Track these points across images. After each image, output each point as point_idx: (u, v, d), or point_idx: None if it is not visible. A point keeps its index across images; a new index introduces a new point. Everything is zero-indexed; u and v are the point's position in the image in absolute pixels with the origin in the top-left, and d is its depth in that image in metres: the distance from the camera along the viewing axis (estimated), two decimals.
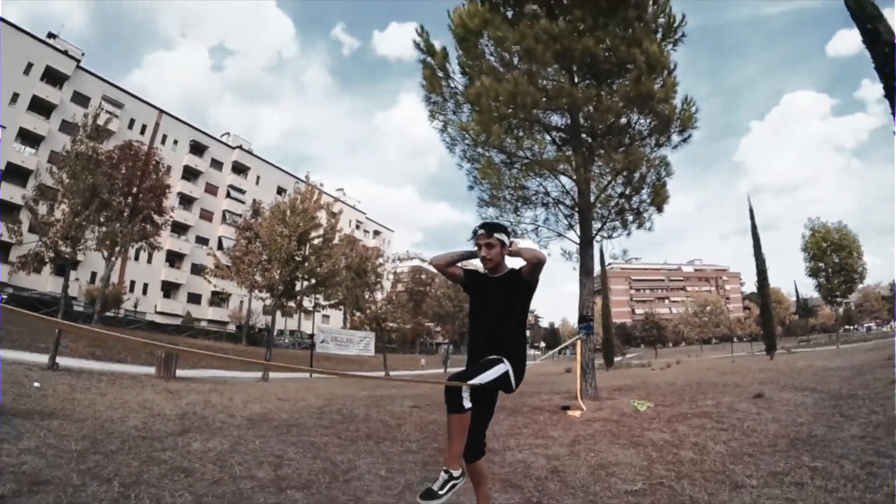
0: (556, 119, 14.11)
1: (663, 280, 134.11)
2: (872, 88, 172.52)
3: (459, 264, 3.62)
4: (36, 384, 9.70)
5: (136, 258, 49.69)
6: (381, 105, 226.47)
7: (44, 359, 13.56)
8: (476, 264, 3.61)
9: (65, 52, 46.22)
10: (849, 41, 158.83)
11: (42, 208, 15.60)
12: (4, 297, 30.33)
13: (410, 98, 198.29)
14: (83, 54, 48.59)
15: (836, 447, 5.48)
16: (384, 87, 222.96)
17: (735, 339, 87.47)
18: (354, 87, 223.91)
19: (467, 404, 2.93)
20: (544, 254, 3.33)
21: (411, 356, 54.87)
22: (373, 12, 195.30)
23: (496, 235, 3.33)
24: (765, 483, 4.51)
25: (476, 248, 3.42)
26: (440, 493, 2.91)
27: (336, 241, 25.16)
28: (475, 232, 3.40)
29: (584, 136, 13.37)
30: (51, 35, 46.89)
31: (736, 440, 6.35)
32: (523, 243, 3.23)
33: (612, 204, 14.17)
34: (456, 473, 2.96)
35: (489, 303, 3.33)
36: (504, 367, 3.13)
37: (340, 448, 6.59)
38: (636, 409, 9.66)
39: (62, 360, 13.89)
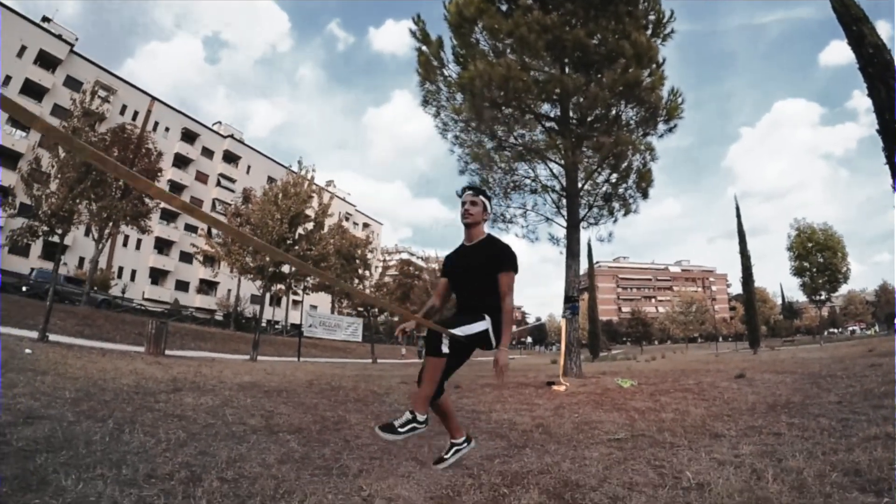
0: (546, 108, 14.28)
1: (650, 279, 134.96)
2: (863, 99, 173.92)
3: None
4: (27, 350, 9.71)
5: (125, 244, 49.28)
6: (373, 101, 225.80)
7: (33, 334, 13.51)
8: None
9: (59, 37, 45.62)
10: (841, 51, 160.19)
11: (36, 182, 15.46)
12: None
13: (403, 95, 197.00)
14: (77, 39, 48.00)
15: (814, 409, 5.65)
16: (377, 84, 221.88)
17: (720, 338, 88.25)
18: (347, 82, 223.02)
19: (445, 350, 3.03)
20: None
21: (398, 346, 55.00)
22: (369, 8, 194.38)
23: (481, 197, 3.54)
24: (743, 434, 4.68)
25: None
26: (400, 430, 2.99)
27: (326, 227, 25.18)
28: (463, 191, 3.60)
29: (573, 124, 13.52)
30: (45, 19, 46.25)
31: (716, 406, 6.52)
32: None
33: (599, 190, 14.38)
34: (420, 417, 3.03)
35: (468, 265, 3.46)
36: (485, 324, 3.24)
37: (330, 407, 6.69)
38: (620, 386, 9.80)
39: (53, 337, 13.84)
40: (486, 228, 3.59)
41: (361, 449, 4.38)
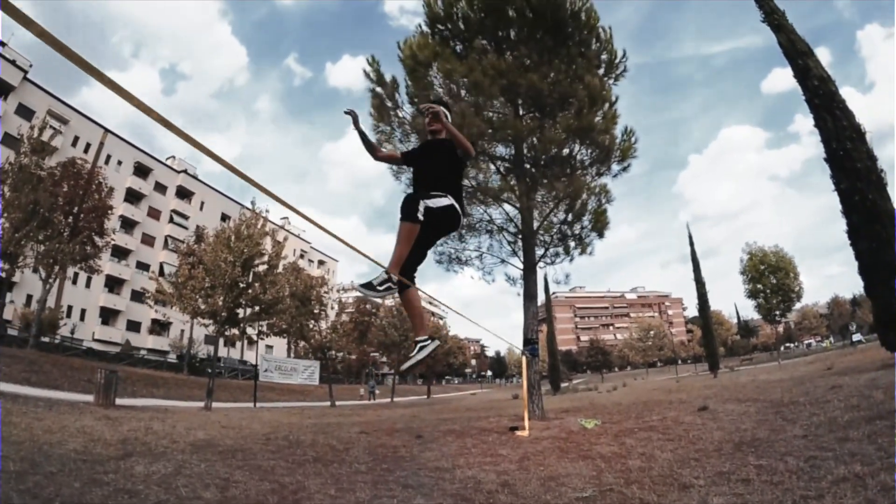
0: (500, 150, 14.36)
1: (607, 307, 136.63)
2: (804, 122, 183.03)
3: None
4: None
5: (74, 282, 47.43)
6: (329, 136, 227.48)
7: None
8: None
9: (13, 62, 44.01)
10: (782, 79, 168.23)
11: None
12: None
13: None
14: (31, 66, 46.53)
15: (780, 447, 5.62)
16: (333, 118, 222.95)
17: (679, 361, 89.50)
18: (304, 117, 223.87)
19: (420, 216, 3.36)
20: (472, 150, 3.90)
21: (357, 386, 54.10)
22: (326, 43, 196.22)
23: (441, 108, 4.00)
24: (712, 482, 4.59)
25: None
26: (378, 287, 3.36)
27: (280, 268, 24.71)
28: (421, 109, 4.31)
29: (527, 165, 13.60)
30: (0, 43, 44.86)
31: (682, 448, 6.44)
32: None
33: (555, 231, 14.46)
34: (394, 279, 3.36)
35: (432, 152, 3.97)
36: (449, 200, 3.64)
37: (288, 471, 6.36)
38: (584, 427, 9.69)
39: None
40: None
41: None
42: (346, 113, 4.02)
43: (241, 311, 21.70)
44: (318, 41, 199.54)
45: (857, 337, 45.75)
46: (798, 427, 6.56)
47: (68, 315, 46.71)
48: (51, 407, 11.72)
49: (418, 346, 3.70)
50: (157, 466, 6.04)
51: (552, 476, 5.60)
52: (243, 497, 4.93)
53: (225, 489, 5.19)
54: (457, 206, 3.69)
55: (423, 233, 3.47)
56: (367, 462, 7.14)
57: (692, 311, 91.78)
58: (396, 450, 8.30)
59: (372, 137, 13.43)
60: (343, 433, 10.89)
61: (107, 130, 53.27)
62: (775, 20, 14.92)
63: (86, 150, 48.69)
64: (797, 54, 14.42)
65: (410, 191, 4.00)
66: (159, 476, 5.55)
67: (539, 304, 14.39)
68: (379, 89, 13.40)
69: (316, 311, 30.38)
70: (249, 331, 23.48)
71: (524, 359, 11.99)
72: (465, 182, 13.86)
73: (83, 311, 49.75)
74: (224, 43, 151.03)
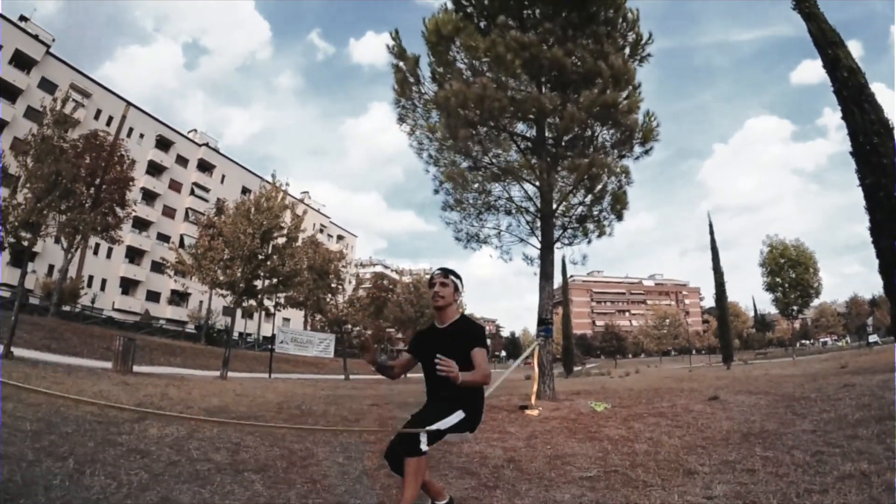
0: (521, 128, 14.26)
1: (624, 293, 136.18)
2: (832, 117, 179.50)
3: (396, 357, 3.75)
4: None
5: (95, 253, 48.36)
6: (350, 112, 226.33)
7: None
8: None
9: (35, 37, 44.80)
10: (812, 70, 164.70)
11: (3, 192, 15.06)
12: None
13: (381, 107, 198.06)
14: (53, 40, 47.15)
15: (788, 440, 5.62)
16: (355, 95, 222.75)
17: (693, 351, 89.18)
18: (326, 92, 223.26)
19: (424, 448, 2.92)
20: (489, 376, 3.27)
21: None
22: (351, 20, 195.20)
23: (451, 278, 3.51)
24: (717, 470, 4.61)
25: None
26: None
27: (300, 241, 24.90)
28: (432, 276, 3.56)
29: (549, 145, 13.51)
30: (22, 18, 45.29)
31: (690, 435, 6.47)
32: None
33: (574, 212, 14.37)
34: None
35: (435, 344, 3.31)
36: (461, 415, 3.15)
37: (298, 438, 6.47)
38: (593, 410, 9.73)
39: (17, 351, 13.46)
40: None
41: (329, 491, 4.21)
42: (359, 347, 3.56)
43: (258, 283, 21.95)
44: (342, 17, 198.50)
45: (873, 338, 45.31)
46: (807, 422, 6.55)
47: (89, 285, 47.77)
48: (70, 373, 12.02)
49: None
50: (171, 429, 6.18)
51: (558, 455, 5.67)
52: (252, 461, 5.04)
53: (235, 453, 5.32)
54: (468, 419, 3.22)
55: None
56: (376, 432, 7.27)
57: (709, 301, 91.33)
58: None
59: (393, 113, 13.45)
60: (355, 405, 11.05)
61: (129, 104, 53.92)
62: (806, 8, 14.60)
63: (108, 124, 49.37)
64: (827, 44, 14.13)
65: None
66: (172, 439, 5.70)
67: (556, 286, 14.40)
68: (401, 64, 13.36)
69: (333, 286, 30.65)
70: (267, 302, 23.75)
71: (537, 345, 11.98)
72: (486, 160, 13.83)
73: (104, 281, 50.78)
74: (247, 17, 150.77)
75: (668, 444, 5.98)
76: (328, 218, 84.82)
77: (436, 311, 3.52)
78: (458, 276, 3.57)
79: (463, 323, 3.45)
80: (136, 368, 15.35)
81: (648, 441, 6.24)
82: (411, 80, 13.41)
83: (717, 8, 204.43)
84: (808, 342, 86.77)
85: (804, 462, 4.57)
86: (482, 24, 13.37)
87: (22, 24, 44.47)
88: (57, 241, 26.90)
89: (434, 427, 2.98)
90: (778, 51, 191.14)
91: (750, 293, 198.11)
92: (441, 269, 3.57)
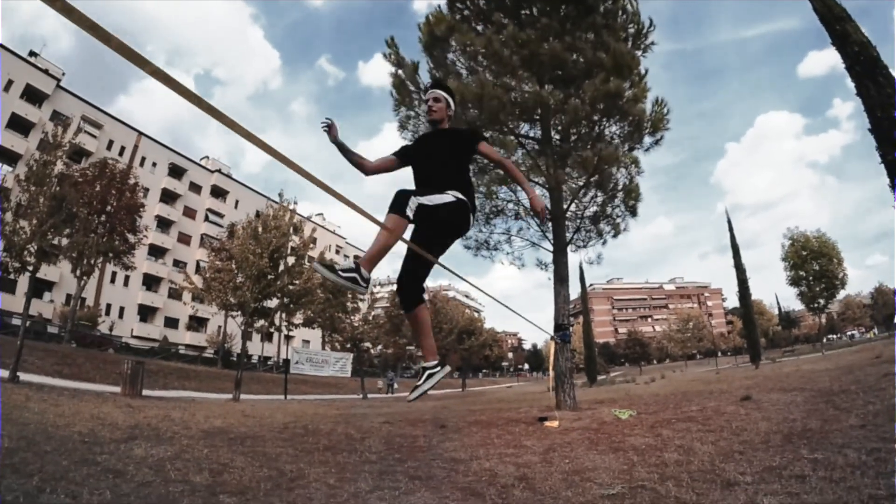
0: (526, 129, 13.81)
1: (645, 299, 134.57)
2: (843, 107, 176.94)
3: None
4: None
5: (112, 281, 48.51)
6: (364, 134, 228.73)
7: (5, 373, 12.81)
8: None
9: (45, 71, 45.48)
10: (819, 61, 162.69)
11: (9, 216, 14.88)
12: None
13: (393, 127, 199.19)
14: (63, 74, 47.94)
15: (836, 438, 4.97)
16: (367, 117, 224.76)
17: (719, 353, 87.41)
18: (338, 116, 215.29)
19: (409, 213, 2.82)
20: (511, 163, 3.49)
21: (382, 379, 54.17)
22: (358, 43, 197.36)
23: (443, 93, 3.54)
24: (760, 479, 3.98)
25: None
26: (340, 273, 2.76)
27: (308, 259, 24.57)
28: (426, 89, 3.64)
29: (555, 144, 13.01)
30: (32, 53, 46.13)
31: (724, 440, 5.83)
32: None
33: (587, 212, 13.89)
34: (365, 275, 2.80)
35: (431, 145, 3.41)
36: (450, 196, 3.07)
37: (293, 458, 6.02)
38: (617, 418, 9.10)
39: (27, 377, 13.24)
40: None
41: None
42: (323, 123, 3.51)
43: (270, 303, 21.59)
44: (350, 42, 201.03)
45: None
46: (853, 416, 5.89)
47: (107, 313, 47.88)
48: (74, 396, 11.67)
49: (426, 373, 3.23)
50: (158, 450, 5.86)
51: (577, 469, 5.06)
52: (234, 482, 4.66)
53: (218, 474, 4.94)
54: (464, 200, 3.12)
55: (420, 236, 3.07)
56: (379, 451, 6.75)
57: (732, 302, 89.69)
58: (415, 440, 7.88)
59: (394, 121, 13.02)
60: (366, 423, 10.54)
61: (140, 133, 54.34)
62: None
63: (121, 153, 50.01)
64: (834, 19, 13.41)
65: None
66: (155, 459, 5.38)
67: (575, 295, 13.84)
68: (399, 71, 12.97)
69: (347, 304, 30.28)
70: (279, 322, 23.43)
71: (553, 345, 11.42)
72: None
73: (122, 309, 50.84)
74: (257, 47, 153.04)
75: (701, 451, 5.34)
76: (344, 239, 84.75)
77: (430, 125, 3.58)
78: (451, 94, 3.60)
79: (455, 129, 3.58)
80: (147, 392, 15.01)
81: (679, 449, 5.60)
82: (411, 87, 13.03)
83: (722, 6, 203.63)
84: (834, 336, 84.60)
85: (861, 462, 3.95)
86: (479, 28, 13.00)
87: (32, 60, 45.11)
88: (74, 270, 27.09)
89: (422, 199, 2.88)
90: (784, 44, 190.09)
91: (772, 292, 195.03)
92: (434, 83, 3.72)
